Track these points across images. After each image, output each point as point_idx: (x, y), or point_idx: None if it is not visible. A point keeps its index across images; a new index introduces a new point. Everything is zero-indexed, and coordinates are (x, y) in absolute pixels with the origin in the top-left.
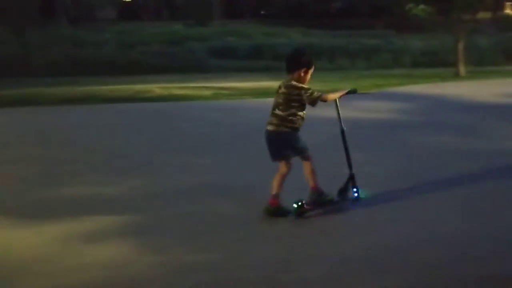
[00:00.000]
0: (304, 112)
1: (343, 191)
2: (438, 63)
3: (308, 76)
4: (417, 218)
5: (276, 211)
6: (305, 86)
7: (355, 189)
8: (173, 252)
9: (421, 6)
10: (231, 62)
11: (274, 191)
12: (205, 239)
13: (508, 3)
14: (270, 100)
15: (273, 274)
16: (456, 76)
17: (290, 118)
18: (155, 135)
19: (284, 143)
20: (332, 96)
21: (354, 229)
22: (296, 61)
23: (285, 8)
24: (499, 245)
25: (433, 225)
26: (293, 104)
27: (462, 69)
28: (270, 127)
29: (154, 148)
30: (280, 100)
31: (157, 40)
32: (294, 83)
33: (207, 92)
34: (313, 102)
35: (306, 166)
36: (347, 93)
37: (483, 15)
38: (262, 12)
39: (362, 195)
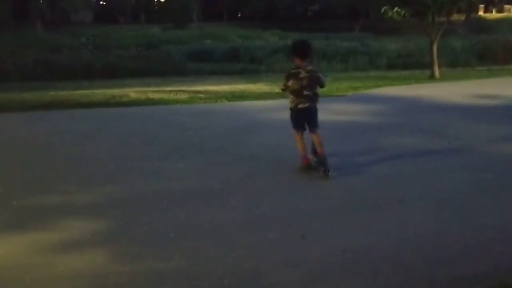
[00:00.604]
0: None
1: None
2: (414, 64)
3: None
4: (394, 220)
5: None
6: None
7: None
8: (145, 260)
9: (396, 9)
10: (208, 65)
11: (303, 152)
12: (177, 246)
13: (481, 6)
14: (246, 103)
15: (246, 280)
16: (431, 78)
17: (314, 96)
18: (129, 140)
19: (313, 115)
20: None
21: (332, 232)
22: (310, 50)
23: (261, 10)
24: (472, 246)
25: (409, 226)
26: (314, 85)
27: (436, 71)
28: (303, 105)
29: (127, 154)
30: (305, 83)
31: (134, 43)
32: (312, 68)
33: (183, 96)
34: (325, 84)
35: (316, 137)
36: None
37: (457, 17)
38: (239, 15)
39: None
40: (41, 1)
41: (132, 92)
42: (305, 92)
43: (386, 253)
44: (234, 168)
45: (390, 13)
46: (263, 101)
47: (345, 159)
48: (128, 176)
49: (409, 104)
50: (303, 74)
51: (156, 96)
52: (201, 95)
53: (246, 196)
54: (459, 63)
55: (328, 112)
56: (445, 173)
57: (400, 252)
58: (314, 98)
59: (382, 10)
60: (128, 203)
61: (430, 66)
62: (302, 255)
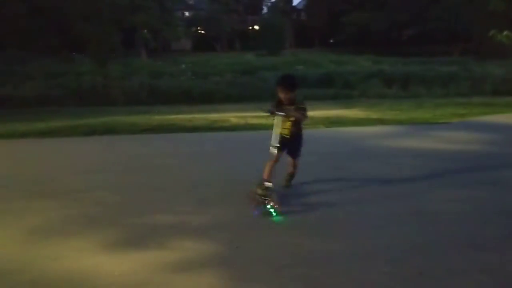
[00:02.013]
0: None
1: None
2: None
3: None
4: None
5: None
6: None
7: None
8: (258, 285)
9: (506, 33)
10: (301, 91)
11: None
12: (290, 273)
13: None
14: (343, 130)
15: None
16: None
17: None
18: (232, 163)
19: None
20: None
21: (450, 271)
22: None
23: (354, 35)
24: None
25: None
26: None
27: None
28: None
29: (232, 177)
30: None
31: (230, 70)
32: None
33: None
34: None
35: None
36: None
37: None
38: (331, 41)
39: None
40: (146, 31)
41: (232, 117)
42: None
43: None
44: (342, 196)
45: (499, 37)
46: (361, 127)
47: (458, 190)
48: (235, 199)
49: None
50: None
51: (255, 121)
52: None
53: (355, 225)
54: None
55: (433, 140)
56: None
57: None
58: None
59: (490, 34)
60: (238, 226)
61: None
62: None
